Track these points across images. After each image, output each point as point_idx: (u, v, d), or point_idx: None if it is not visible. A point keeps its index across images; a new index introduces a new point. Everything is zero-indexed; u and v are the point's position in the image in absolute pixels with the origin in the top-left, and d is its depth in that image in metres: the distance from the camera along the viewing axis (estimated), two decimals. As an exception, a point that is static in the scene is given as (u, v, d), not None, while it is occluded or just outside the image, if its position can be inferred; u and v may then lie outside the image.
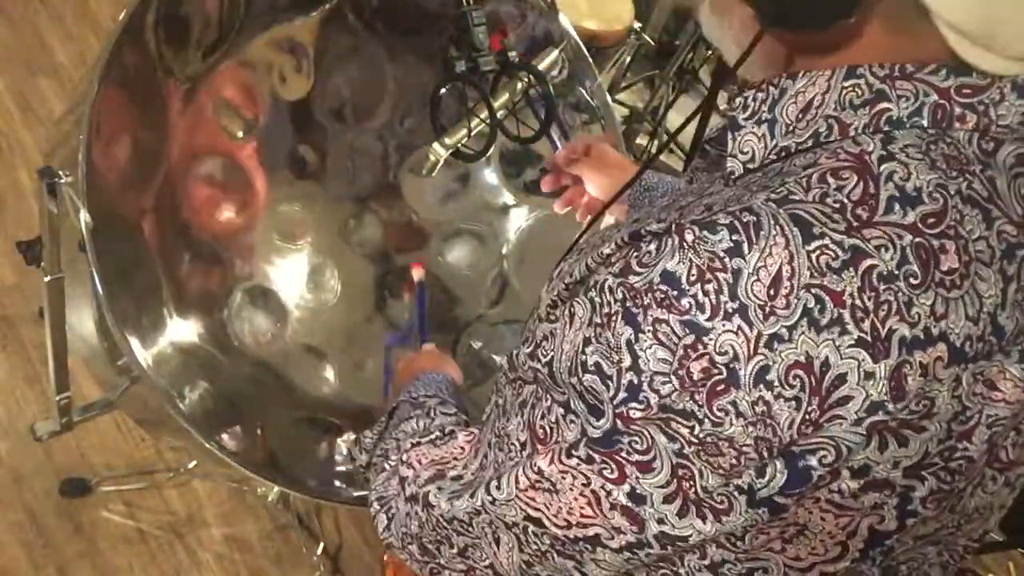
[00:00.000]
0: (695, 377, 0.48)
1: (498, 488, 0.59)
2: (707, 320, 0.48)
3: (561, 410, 0.55)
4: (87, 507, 1.74)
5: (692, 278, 0.48)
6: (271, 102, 1.35)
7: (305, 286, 1.42)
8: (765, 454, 0.49)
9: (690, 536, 0.53)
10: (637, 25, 2.17)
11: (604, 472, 0.53)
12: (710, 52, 2.67)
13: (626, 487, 0.52)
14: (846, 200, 0.49)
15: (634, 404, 0.50)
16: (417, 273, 1.32)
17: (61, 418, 1.26)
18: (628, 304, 0.51)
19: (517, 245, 1.49)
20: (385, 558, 1.79)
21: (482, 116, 1.13)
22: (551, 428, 0.56)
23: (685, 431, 0.49)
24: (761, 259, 0.48)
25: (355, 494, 1.23)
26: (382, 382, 1.35)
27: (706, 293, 0.48)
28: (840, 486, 0.50)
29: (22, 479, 1.73)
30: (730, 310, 0.47)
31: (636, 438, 0.51)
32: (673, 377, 0.49)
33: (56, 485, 1.73)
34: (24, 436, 1.62)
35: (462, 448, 0.72)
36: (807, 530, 0.52)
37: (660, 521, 0.53)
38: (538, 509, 0.57)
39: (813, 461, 0.49)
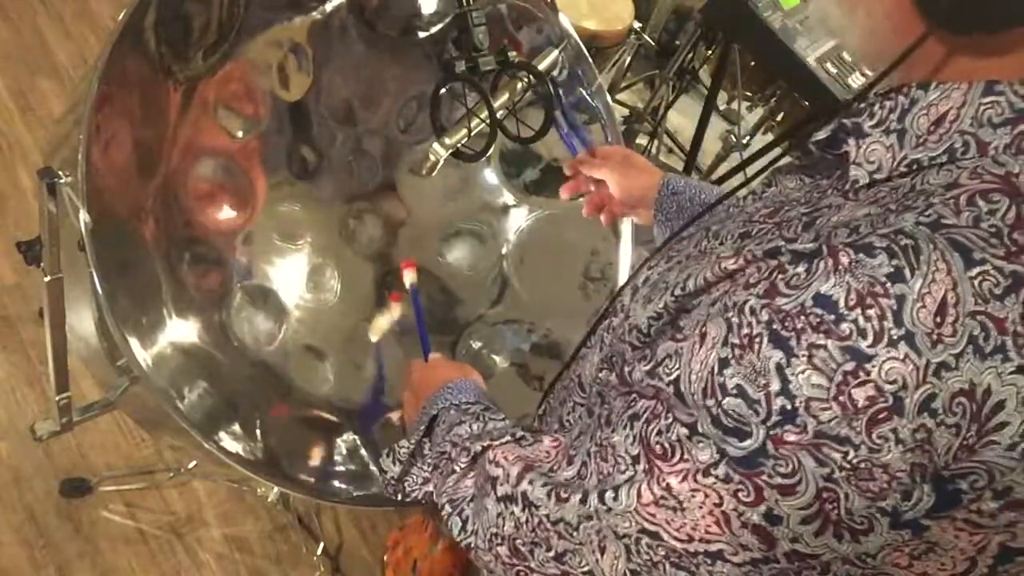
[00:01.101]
0: (859, 404, 0.48)
1: (615, 499, 0.58)
2: (869, 347, 0.47)
3: (685, 431, 0.54)
4: (87, 507, 1.74)
5: (851, 302, 0.48)
6: (271, 102, 1.35)
7: (305, 286, 1.42)
8: (917, 479, 0.49)
9: (822, 554, 0.52)
10: (637, 25, 2.18)
11: (739, 494, 0.52)
12: (710, 52, 2.67)
13: (762, 508, 0.52)
14: (1001, 224, 0.49)
15: (790, 427, 0.49)
16: (409, 276, 1.22)
17: (61, 418, 1.26)
18: (776, 327, 0.50)
19: (517, 245, 1.49)
20: (385, 558, 1.80)
21: (482, 116, 1.13)
22: (671, 446, 0.55)
23: (838, 456, 0.49)
24: (925, 285, 0.47)
25: (355, 494, 1.23)
26: (373, 382, 1.31)
27: (868, 319, 0.47)
28: (980, 507, 0.50)
29: (22, 479, 1.73)
30: (895, 337, 0.47)
31: (782, 462, 0.50)
32: (834, 403, 0.48)
33: (56, 485, 1.73)
34: (24, 436, 1.61)
35: (548, 452, 0.70)
36: (938, 547, 0.52)
37: (793, 540, 0.52)
38: (658, 524, 0.56)
39: (964, 485, 0.49)
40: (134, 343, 1.08)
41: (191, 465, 1.76)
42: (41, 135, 2.21)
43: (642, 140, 2.83)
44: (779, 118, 2.71)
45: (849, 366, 0.47)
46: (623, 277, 1.38)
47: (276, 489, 1.63)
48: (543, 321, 1.46)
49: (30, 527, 1.69)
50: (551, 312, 1.46)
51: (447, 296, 1.50)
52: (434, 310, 1.49)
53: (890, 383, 0.47)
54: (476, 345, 1.46)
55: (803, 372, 0.48)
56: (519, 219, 1.50)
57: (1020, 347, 0.47)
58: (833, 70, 2.08)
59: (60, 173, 0.93)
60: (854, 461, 0.49)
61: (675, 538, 0.55)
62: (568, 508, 0.61)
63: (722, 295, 0.54)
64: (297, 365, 1.36)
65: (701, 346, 0.54)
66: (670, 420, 0.55)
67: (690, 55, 2.64)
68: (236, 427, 1.20)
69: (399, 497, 0.86)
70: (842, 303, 0.48)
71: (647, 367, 0.58)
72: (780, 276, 0.51)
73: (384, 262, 1.49)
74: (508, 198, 1.49)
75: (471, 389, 0.89)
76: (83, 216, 0.91)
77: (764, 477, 0.51)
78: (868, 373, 0.47)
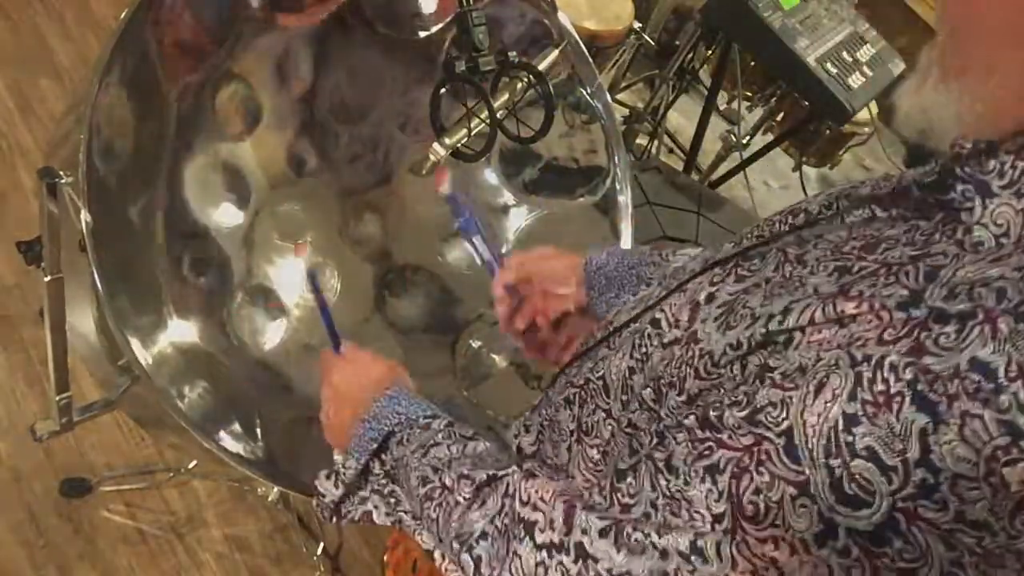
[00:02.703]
0: (1011, 488, 0.44)
1: (704, 562, 0.52)
2: None
3: (792, 490, 0.49)
4: (87, 507, 1.74)
5: (1011, 374, 0.44)
6: (271, 101, 1.35)
7: (305, 285, 1.42)
8: None
9: None
10: (637, 25, 2.18)
11: (852, 572, 0.48)
12: (710, 52, 2.68)
13: None
14: None
15: (927, 503, 0.45)
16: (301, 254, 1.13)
17: (61, 418, 1.26)
18: (922, 387, 0.45)
19: (517, 245, 1.49)
20: (385, 558, 1.79)
21: (482, 116, 1.13)
22: (767, 508, 0.50)
23: (971, 541, 0.45)
24: None
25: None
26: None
27: None
28: None
29: (22, 479, 1.73)
30: None
31: (910, 546, 0.46)
32: (984, 484, 0.44)
33: (56, 485, 1.72)
34: (24, 436, 1.61)
35: (581, 490, 0.65)
36: None
37: None
38: None
39: None
40: (135, 343, 1.08)
41: (191, 465, 1.76)
42: (41, 135, 2.21)
43: (642, 140, 2.83)
44: (779, 118, 2.72)
45: (1003, 441, 0.44)
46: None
47: (276, 489, 1.63)
48: (543, 321, 1.46)
49: (30, 527, 1.69)
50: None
51: (447, 296, 1.50)
52: (434, 310, 1.49)
53: None
54: (476, 344, 1.46)
55: (950, 442, 0.44)
56: (519, 219, 1.50)
57: None
58: (833, 70, 2.08)
59: (61, 173, 0.93)
60: (988, 547, 0.45)
61: None
62: (639, 563, 0.55)
63: (844, 344, 0.50)
64: (297, 365, 1.36)
65: (817, 397, 0.49)
66: (769, 478, 0.50)
67: (690, 55, 2.64)
68: (236, 427, 1.20)
69: (333, 520, 0.81)
70: (1002, 372, 0.44)
71: (743, 413, 0.53)
72: (925, 335, 0.47)
73: (384, 262, 1.49)
74: (508, 198, 1.49)
75: (415, 396, 0.83)
76: (84, 216, 0.91)
77: (886, 560, 0.47)
78: (1022, 451, 0.44)
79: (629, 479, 0.60)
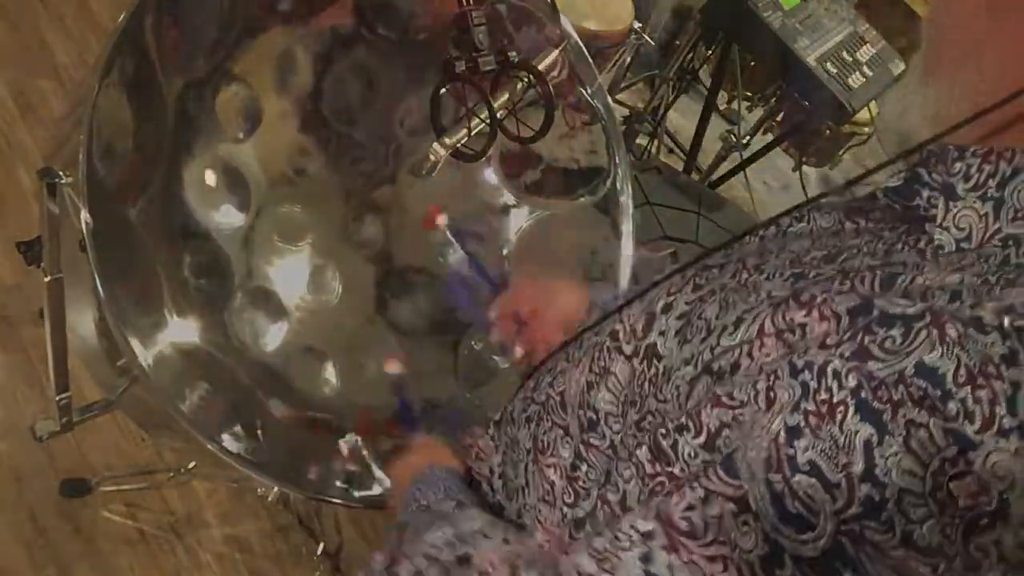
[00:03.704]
0: (960, 503, 0.40)
1: None
2: (976, 433, 0.41)
3: (732, 507, 0.46)
4: (87, 507, 1.74)
5: (960, 379, 0.41)
6: (272, 102, 1.35)
7: (306, 287, 1.42)
8: None
9: None
10: (637, 25, 2.18)
11: None
12: (710, 52, 2.67)
13: None
14: None
15: (873, 524, 0.41)
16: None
17: (61, 418, 1.26)
18: (866, 395, 0.42)
19: (517, 245, 1.49)
20: (385, 558, 1.79)
21: (482, 116, 1.13)
22: (708, 523, 0.47)
23: (926, 570, 0.41)
24: None
25: (356, 494, 1.23)
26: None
27: (977, 400, 0.41)
28: None
29: (22, 479, 1.73)
30: (1008, 427, 0.40)
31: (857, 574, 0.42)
32: (930, 500, 0.41)
33: (56, 485, 1.72)
34: (24, 436, 1.61)
35: (540, 547, 0.62)
36: None
37: None
38: None
39: None
40: (134, 344, 1.08)
41: (191, 465, 1.76)
42: (41, 135, 2.21)
43: (642, 140, 2.83)
44: (779, 118, 2.72)
45: (950, 452, 0.41)
46: (624, 277, 1.38)
47: (276, 489, 1.63)
48: (543, 321, 1.46)
49: (30, 527, 1.69)
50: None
51: (448, 297, 1.50)
52: (435, 311, 1.49)
53: (1000, 479, 0.40)
54: (477, 346, 1.46)
55: (895, 455, 0.41)
56: (519, 219, 1.49)
57: None
58: (833, 70, 2.08)
59: (61, 173, 0.93)
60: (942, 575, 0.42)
61: None
62: None
63: (785, 354, 0.47)
64: (298, 366, 1.36)
65: (764, 412, 0.46)
66: (703, 493, 0.47)
67: (690, 55, 2.64)
68: (237, 427, 1.20)
69: None
70: (950, 378, 0.41)
71: (699, 440, 0.49)
72: (869, 338, 0.44)
73: (385, 263, 1.49)
74: (508, 198, 1.49)
75: (438, 481, 0.79)
76: (84, 216, 0.91)
77: None
78: (970, 464, 0.40)
79: (587, 526, 0.58)
